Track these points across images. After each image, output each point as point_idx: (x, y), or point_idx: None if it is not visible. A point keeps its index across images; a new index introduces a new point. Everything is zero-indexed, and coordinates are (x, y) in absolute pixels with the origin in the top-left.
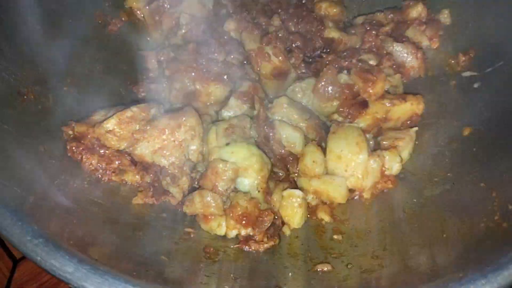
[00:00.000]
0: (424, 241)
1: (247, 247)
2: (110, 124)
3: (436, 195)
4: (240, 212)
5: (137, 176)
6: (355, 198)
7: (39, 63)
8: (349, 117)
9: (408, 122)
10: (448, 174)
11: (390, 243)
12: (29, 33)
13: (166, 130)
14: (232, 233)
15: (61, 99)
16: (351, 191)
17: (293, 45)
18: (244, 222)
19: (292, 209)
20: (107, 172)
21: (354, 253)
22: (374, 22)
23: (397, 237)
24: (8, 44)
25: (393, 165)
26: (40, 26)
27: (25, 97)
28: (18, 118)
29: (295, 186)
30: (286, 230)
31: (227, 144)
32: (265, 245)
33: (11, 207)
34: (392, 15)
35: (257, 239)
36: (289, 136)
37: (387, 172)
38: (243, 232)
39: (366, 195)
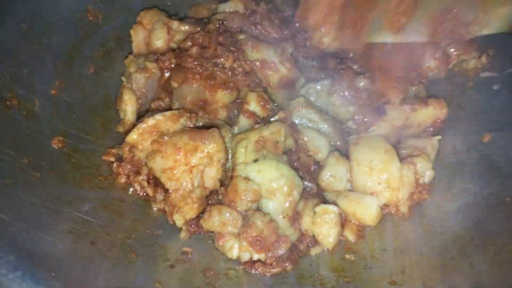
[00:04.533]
0: (446, 265)
1: (253, 269)
2: (131, 138)
3: (456, 209)
4: (254, 234)
5: (149, 190)
6: (391, 213)
7: (24, 64)
8: (363, 125)
9: (431, 129)
10: (469, 186)
11: (408, 265)
12: (13, 31)
13: (181, 150)
14: (245, 256)
15: (49, 105)
16: (385, 206)
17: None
18: (257, 246)
19: (326, 226)
20: (138, 187)
21: (369, 277)
22: None
23: (416, 259)
24: None
25: (426, 172)
26: (25, 23)
27: (7, 102)
28: None
29: (325, 200)
30: (314, 250)
31: (255, 160)
32: (273, 270)
33: None
34: None
35: (266, 262)
36: (314, 141)
37: (420, 181)
38: (256, 257)
39: (404, 208)
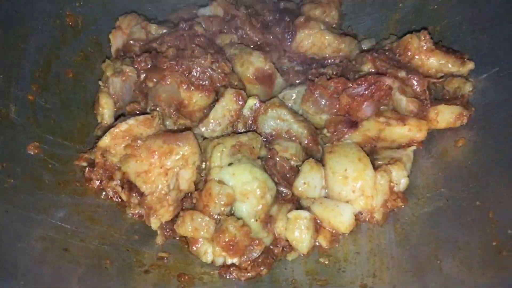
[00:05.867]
0: (416, 268)
1: (228, 274)
2: (103, 143)
3: (428, 213)
4: (227, 239)
5: (123, 195)
6: (365, 220)
7: (1, 67)
8: (336, 133)
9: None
10: (442, 190)
11: (379, 268)
12: None
13: (156, 153)
14: (219, 261)
15: (25, 110)
16: (359, 213)
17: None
18: (231, 251)
19: (299, 232)
20: (110, 192)
21: (342, 280)
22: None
23: (387, 262)
24: None
25: (401, 180)
26: (1, 28)
27: None
28: None
29: (301, 206)
30: (291, 256)
31: (230, 164)
32: (248, 274)
33: None
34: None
35: (241, 266)
36: (286, 146)
37: (395, 188)
38: (229, 261)
39: (378, 216)
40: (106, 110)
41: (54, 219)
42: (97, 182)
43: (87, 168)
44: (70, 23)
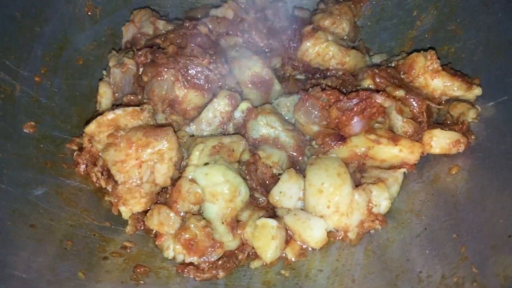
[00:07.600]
0: None
1: (185, 272)
2: (89, 129)
3: (403, 239)
4: (188, 237)
5: (102, 181)
6: (338, 238)
7: (12, 50)
8: (323, 146)
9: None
10: (423, 217)
11: None
12: (6, 18)
13: (134, 145)
14: (179, 258)
15: (29, 91)
16: (334, 231)
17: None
18: (190, 249)
19: (265, 240)
20: (94, 177)
21: None
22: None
23: (346, 283)
24: None
25: (381, 202)
26: (20, 12)
27: None
28: None
29: (274, 215)
30: (255, 264)
31: (206, 164)
32: (203, 275)
33: None
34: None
35: (199, 266)
36: (271, 156)
37: (374, 210)
38: (188, 260)
39: (352, 235)
40: (103, 99)
41: (30, 196)
42: (83, 166)
43: (75, 152)
44: (89, 13)
